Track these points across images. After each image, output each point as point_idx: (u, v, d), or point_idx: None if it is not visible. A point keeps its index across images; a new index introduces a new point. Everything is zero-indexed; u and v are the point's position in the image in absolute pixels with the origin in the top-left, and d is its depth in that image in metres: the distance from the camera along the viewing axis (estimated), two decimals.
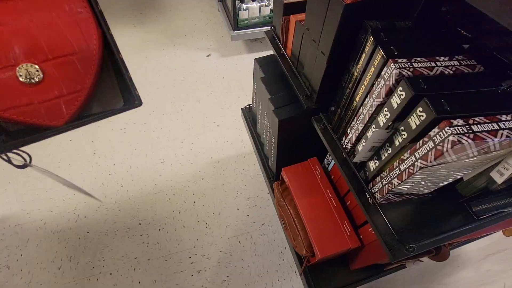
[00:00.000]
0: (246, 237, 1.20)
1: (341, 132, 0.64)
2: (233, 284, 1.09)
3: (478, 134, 0.34)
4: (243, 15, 1.80)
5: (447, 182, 0.51)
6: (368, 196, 0.57)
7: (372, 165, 0.55)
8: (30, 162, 0.25)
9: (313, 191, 0.83)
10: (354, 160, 0.58)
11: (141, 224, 1.20)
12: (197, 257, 1.14)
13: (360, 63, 0.51)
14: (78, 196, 1.28)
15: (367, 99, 0.51)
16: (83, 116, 0.25)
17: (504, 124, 0.35)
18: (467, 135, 0.34)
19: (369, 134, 0.51)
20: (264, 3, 1.80)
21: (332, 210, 0.80)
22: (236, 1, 1.75)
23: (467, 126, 0.35)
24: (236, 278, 1.11)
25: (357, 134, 0.56)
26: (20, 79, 0.22)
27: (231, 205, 1.28)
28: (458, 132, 0.34)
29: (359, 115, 0.54)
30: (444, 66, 0.42)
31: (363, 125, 0.53)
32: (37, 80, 0.22)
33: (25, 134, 0.24)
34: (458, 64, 0.43)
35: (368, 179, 0.57)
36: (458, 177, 0.48)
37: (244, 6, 1.78)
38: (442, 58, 0.44)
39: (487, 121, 0.35)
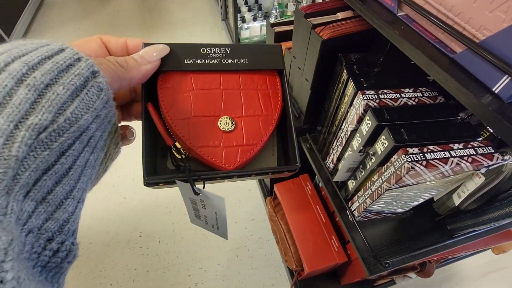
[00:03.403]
0: (243, 250, 1.23)
1: (325, 152, 0.68)
2: None
3: (431, 161, 0.38)
4: (244, 34, 1.88)
5: (419, 202, 0.54)
6: (348, 213, 0.61)
7: (351, 184, 0.59)
8: (203, 188, 0.30)
9: (303, 207, 0.87)
10: (334, 180, 0.62)
11: (142, 235, 1.25)
12: (194, 269, 1.17)
13: (337, 91, 0.56)
14: (84, 206, 1.33)
15: (343, 124, 0.55)
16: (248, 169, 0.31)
17: (455, 152, 0.39)
18: (420, 162, 0.38)
19: (346, 155, 0.56)
20: (264, 23, 1.88)
21: (321, 226, 0.83)
22: (238, 21, 1.84)
23: (421, 154, 0.39)
24: None
25: (337, 155, 0.61)
26: (219, 126, 0.28)
27: (229, 218, 1.31)
28: (413, 159, 0.38)
29: (338, 138, 0.59)
30: (408, 98, 0.47)
31: (341, 147, 0.58)
32: (229, 129, 0.28)
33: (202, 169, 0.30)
34: (421, 95, 0.47)
35: (348, 197, 0.61)
36: (428, 197, 0.52)
37: (246, 26, 1.86)
38: (407, 89, 0.48)
39: (439, 149, 0.39)
